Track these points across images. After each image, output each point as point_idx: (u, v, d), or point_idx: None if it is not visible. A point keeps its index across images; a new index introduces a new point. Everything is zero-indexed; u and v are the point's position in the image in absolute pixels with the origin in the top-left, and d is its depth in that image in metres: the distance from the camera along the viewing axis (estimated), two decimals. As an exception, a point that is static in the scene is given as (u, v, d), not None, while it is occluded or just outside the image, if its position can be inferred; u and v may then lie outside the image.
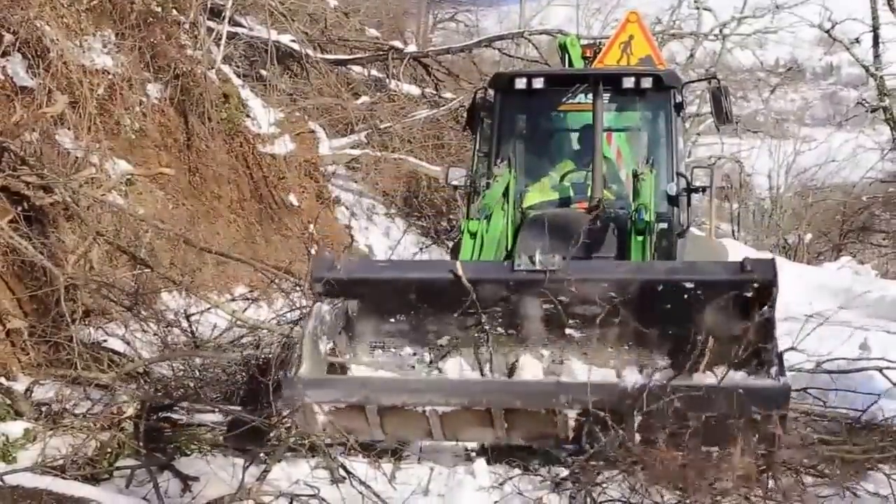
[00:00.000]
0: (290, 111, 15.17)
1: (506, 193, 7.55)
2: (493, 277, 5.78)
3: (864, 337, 8.86)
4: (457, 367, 6.00)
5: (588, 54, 10.07)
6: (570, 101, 8.26)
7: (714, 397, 5.12)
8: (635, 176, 7.28)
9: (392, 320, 6.05)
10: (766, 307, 5.42)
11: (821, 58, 35.53)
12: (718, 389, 5.16)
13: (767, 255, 6.46)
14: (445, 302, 5.87)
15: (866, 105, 27.08)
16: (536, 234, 7.47)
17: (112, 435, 5.89)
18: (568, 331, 5.86)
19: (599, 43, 11.04)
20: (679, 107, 8.28)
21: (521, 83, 8.06)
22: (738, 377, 5.34)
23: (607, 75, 8.26)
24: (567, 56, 10.09)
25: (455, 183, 8.13)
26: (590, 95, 8.01)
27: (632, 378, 5.49)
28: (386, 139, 16.91)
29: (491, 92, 8.41)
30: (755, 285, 5.47)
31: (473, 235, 6.71)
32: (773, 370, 5.28)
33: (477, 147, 8.47)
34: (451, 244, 11.57)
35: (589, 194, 7.68)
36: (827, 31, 25.77)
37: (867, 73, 26.28)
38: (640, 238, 6.51)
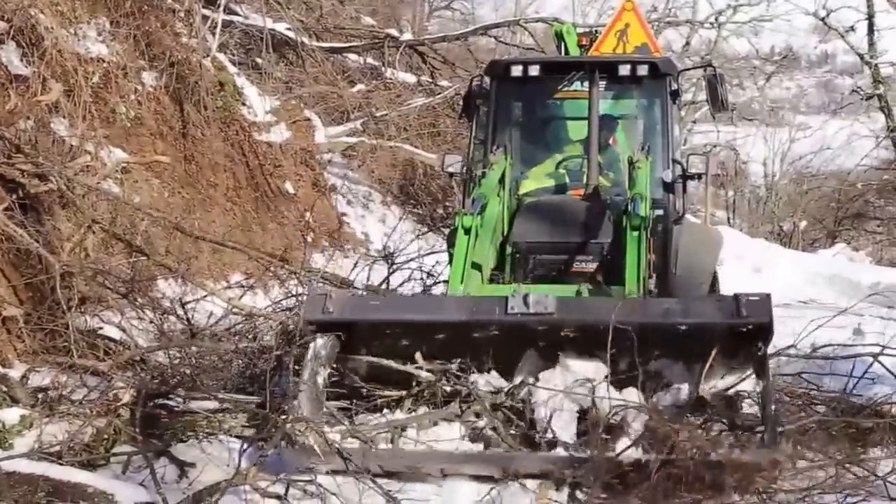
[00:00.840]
0: (285, 99, 15.16)
1: (502, 180, 7.55)
2: (485, 319, 5.73)
3: (857, 322, 8.88)
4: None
5: (584, 42, 10.06)
6: (567, 88, 8.25)
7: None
8: (631, 163, 7.27)
9: (387, 355, 6.02)
10: (759, 344, 5.43)
11: (816, 46, 35.37)
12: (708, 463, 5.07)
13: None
14: (440, 336, 5.87)
15: (861, 93, 27.11)
16: (532, 220, 7.49)
17: (108, 421, 5.90)
18: (563, 332, 5.83)
19: (595, 31, 11.01)
20: (675, 94, 8.26)
21: (517, 70, 8.06)
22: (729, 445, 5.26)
23: (603, 63, 8.26)
24: (563, 45, 10.09)
25: (451, 170, 8.10)
26: (586, 83, 8.01)
27: (622, 443, 5.43)
28: (382, 127, 16.90)
29: (487, 79, 8.40)
30: (750, 326, 5.45)
31: (468, 231, 6.68)
32: (767, 437, 5.18)
33: (473, 135, 8.47)
34: (447, 231, 11.56)
35: (585, 181, 7.69)
36: (822, 20, 25.76)
37: (862, 60, 26.30)
38: (635, 233, 6.47)
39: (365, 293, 6.26)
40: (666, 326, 5.58)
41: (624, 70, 7.94)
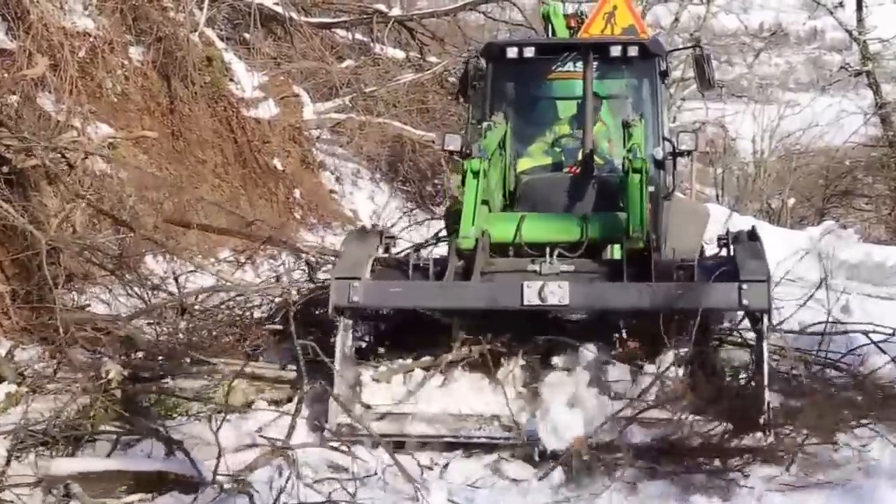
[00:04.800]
0: (273, 75, 15.08)
1: (501, 146, 7.65)
2: (502, 307, 6.09)
3: (845, 300, 8.90)
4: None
5: (573, 24, 10.20)
6: (559, 69, 8.43)
7: None
8: (626, 126, 7.38)
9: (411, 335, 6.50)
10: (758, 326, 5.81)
11: (805, 22, 35.27)
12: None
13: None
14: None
15: (850, 69, 27.11)
16: (530, 200, 7.68)
17: (95, 398, 5.88)
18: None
19: (582, 13, 11.09)
20: (664, 74, 8.50)
21: (512, 52, 8.23)
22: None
23: (596, 44, 8.37)
24: (550, 26, 10.17)
25: (451, 148, 8.19)
26: (579, 64, 8.10)
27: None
28: (370, 103, 16.86)
29: (483, 61, 8.52)
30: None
31: (476, 175, 6.75)
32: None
33: (469, 115, 8.61)
34: (436, 210, 11.54)
35: (579, 158, 7.86)
36: (811, -5, 25.75)
37: (851, 37, 26.29)
38: (636, 176, 6.57)
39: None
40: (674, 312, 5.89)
41: (615, 51, 8.12)
